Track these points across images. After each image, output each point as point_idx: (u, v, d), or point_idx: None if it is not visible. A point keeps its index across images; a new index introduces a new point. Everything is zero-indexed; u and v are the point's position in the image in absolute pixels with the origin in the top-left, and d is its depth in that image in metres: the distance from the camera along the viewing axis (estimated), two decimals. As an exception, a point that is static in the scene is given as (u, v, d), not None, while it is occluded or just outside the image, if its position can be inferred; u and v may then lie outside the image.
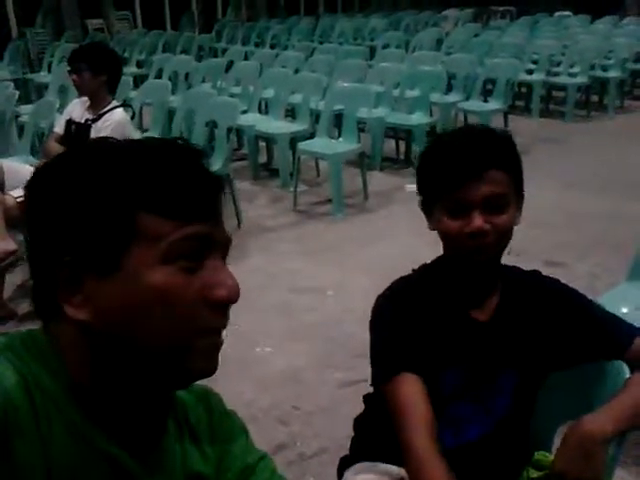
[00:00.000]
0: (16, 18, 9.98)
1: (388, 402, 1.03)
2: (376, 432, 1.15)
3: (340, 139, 4.59)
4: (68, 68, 3.11)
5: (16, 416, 0.56)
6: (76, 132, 3.11)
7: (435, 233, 1.12)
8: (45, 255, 0.60)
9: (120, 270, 0.58)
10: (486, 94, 6.15)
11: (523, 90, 7.33)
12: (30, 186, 0.63)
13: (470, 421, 1.11)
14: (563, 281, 1.18)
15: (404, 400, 1.01)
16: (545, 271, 1.20)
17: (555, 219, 3.80)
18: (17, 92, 4.57)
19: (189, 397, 0.74)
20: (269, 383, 2.42)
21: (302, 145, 4.37)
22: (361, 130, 4.93)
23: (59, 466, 0.58)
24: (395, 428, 1.00)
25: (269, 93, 5.37)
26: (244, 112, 4.94)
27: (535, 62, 7.16)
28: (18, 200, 2.66)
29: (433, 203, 1.07)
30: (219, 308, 0.61)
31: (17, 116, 4.70)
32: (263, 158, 5.20)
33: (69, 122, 3.17)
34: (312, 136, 4.60)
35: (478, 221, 1.00)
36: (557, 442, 1.07)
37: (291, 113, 5.39)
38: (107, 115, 3.05)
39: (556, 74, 7.16)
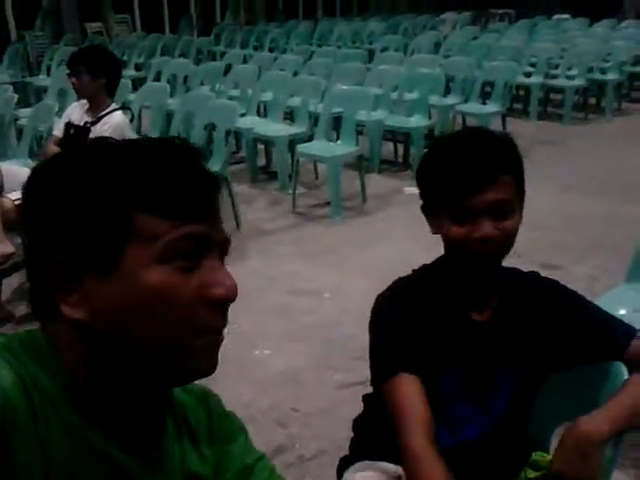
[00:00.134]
0: (15, 21, 9.99)
1: (386, 402, 1.03)
2: (375, 432, 1.16)
3: (338, 142, 4.60)
4: (67, 71, 3.12)
5: (14, 416, 0.56)
6: (75, 135, 3.11)
7: (433, 236, 1.12)
8: (42, 255, 0.61)
9: (117, 269, 0.58)
10: (484, 97, 6.16)
11: (521, 93, 7.35)
12: (27, 186, 0.63)
13: (468, 421, 1.11)
14: (561, 283, 1.18)
15: (402, 400, 1.01)
16: (543, 273, 1.21)
17: (553, 221, 3.80)
18: (16, 95, 4.58)
19: (188, 398, 0.74)
20: (268, 385, 2.43)
21: (301, 148, 4.38)
22: (359, 133, 4.95)
23: (57, 466, 0.58)
24: (393, 428, 1.00)
25: (268, 96, 5.38)
26: (243, 115, 4.94)
27: (533, 65, 7.18)
28: (16, 203, 2.66)
29: (438, 208, 1.06)
30: (217, 307, 0.61)
31: (16, 119, 4.71)
32: (261, 161, 5.20)
33: (68, 125, 3.17)
34: (310, 139, 4.60)
35: (487, 227, 1.00)
36: (555, 443, 1.07)
37: (290, 116, 5.40)
38: (106, 118, 3.05)
39: (554, 77, 7.18)
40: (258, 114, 5.46)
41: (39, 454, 0.57)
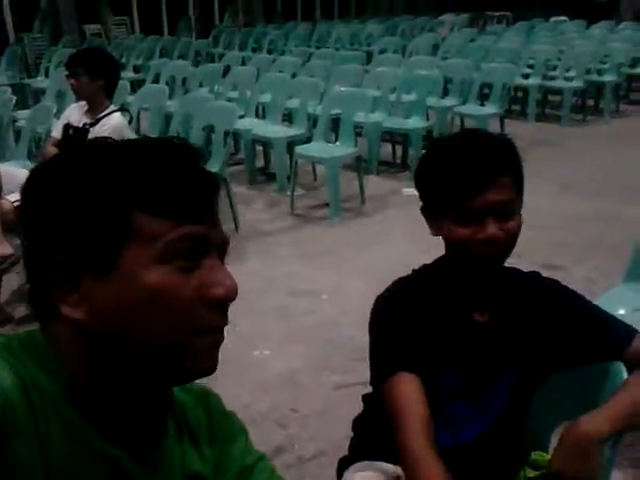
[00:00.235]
0: (13, 23, 9.99)
1: (386, 402, 1.03)
2: (375, 432, 1.16)
3: (337, 143, 4.60)
4: (66, 73, 3.12)
5: (14, 416, 0.55)
6: (74, 136, 3.11)
7: (431, 237, 1.12)
8: (41, 255, 0.60)
9: (116, 269, 0.58)
10: (482, 98, 6.17)
11: (519, 94, 7.36)
12: (26, 187, 0.63)
13: (468, 421, 1.11)
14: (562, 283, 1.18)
15: (401, 400, 1.01)
16: (542, 274, 1.21)
17: (552, 222, 3.81)
18: (14, 97, 4.57)
19: (188, 397, 0.73)
20: (267, 386, 2.43)
21: (299, 149, 4.38)
22: (358, 134, 4.95)
23: (58, 466, 0.58)
24: (392, 428, 1.00)
25: (266, 98, 5.38)
26: (241, 117, 4.94)
27: (531, 67, 7.19)
28: (15, 204, 2.66)
29: (439, 210, 1.06)
30: (217, 307, 0.61)
31: (14, 121, 4.70)
32: (260, 162, 5.21)
33: (67, 126, 3.17)
34: (309, 140, 4.61)
35: (492, 228, 1.00)
36: (554, 442, 1.07)
37: (288, 117, 5.40)
38: (105, 119, 3.05)
39: (552, 78, 7.19)
40: (257, 116, 5.46)
41: (39, 454, 0.57)
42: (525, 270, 1.20)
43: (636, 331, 1.12)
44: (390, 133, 5.37)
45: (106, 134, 2.94)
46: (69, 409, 0.60)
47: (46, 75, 7.13)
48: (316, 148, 4.43)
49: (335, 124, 4.79)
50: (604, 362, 1.13)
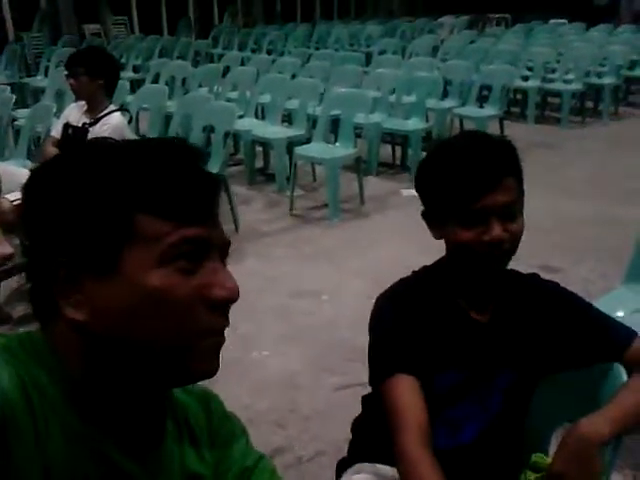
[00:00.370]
0: (13, 22, 9.99)
1: (384, 403, 1.03)
2: (374, 434, 1.16)
3: (337, 144, 4.60)
4: (65, 72, 3.12)
5: (13, 415, 0.55)
6: (73, 136, 3.11)
7: (430, 238, 1.12)
8: (42, 256, 0.60)
9: (118, 271, 0.58)
10: (482, 100, 6.18)
11: (518, 96, 7.37)
12: (27, 187, 0.62)
13: (467, 420, 1.11)
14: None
15: (398, 401, 1.01)
16: (541, 276, 1.21)
17: (550, 224, 3.81)
18: (14, 96, 4.57)
19: (189, 399, 0.73)
20: (266, 386, 2.42)
21: (299, 150, 4.38)
22: (357, 135, 4.96)
23: (57, 465, 0.58)
24: (389, 430, 1.00)
25: (266, 98, 5.39)
26: (241, 117, 4.95)
27: (530, 69, 7.20)
28: (15, 203, 2.66)
29: (443, 213, 1.06)
30: (218, 309, 0.61)
31: (14, 120, 4.70)
32: (259, 163, 5.21)
33: (66, 126, 3.17)
34: (309, 141, 4.61)
35: (498, 230, 1.01)
36: (555, 444, 1.07)
37: (288, 118, 5.40)
38: (105, 119, 3.05)
39: (551, 81, 7.21)
40: (256, 116, 5.46)
41: (38, 453, 0.57)
42: (524, 272, 1.20)
43: (635, 333, 1.12)
44: (390, 134, 5.37)
45: (106, 134, 2.94)
46: (68, 409, 0.60)
47: (45, 74, 7.13)
48: (316, 149, 4.43)
49: (335, 125, 4.79)
50: (603, 364, 1.13)
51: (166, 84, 5.83)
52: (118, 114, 3.11)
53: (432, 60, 6.91)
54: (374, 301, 1.14)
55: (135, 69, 7.99)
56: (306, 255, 3.66)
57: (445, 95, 5.92)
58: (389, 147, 5.50)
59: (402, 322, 1.08)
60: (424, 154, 1.15)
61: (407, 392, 1.02)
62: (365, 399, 1.25)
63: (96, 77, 3.01)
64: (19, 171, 3.01)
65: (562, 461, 0.99)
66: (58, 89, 5.33)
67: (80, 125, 3.11)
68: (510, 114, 6.85)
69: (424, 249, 1.35)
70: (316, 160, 4.53)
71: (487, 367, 1.11)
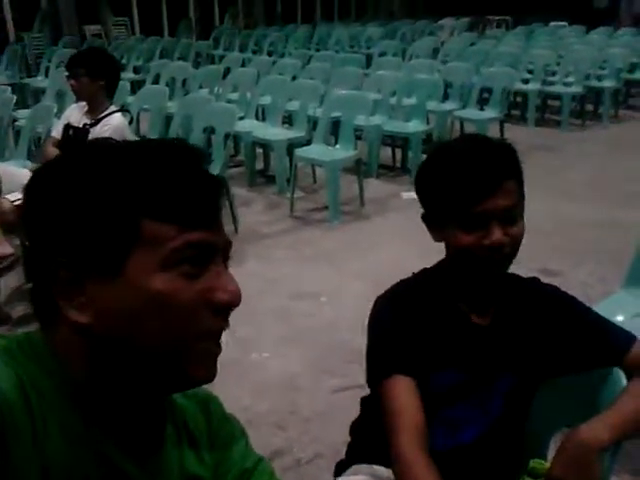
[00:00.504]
0: (14, 22, 10.00)
1: (381, 403, 1.04)
2: (372, 435, 1.16)
3: (337, 146, 4.60)
4: (66, 73, 3.12)
5: (11, 415, 0.55)
6: (74, 136, 3.11)
7: (430, 241, 1.12)
8: (45, 257, 0.60)
9: (122, 274, 0.58)
10: (482, 103, 6.18)
11: (519, 99, 7.38)
12: (29, 187, 0.62)
13: (467, 422, 1.11)
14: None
15: (395, 402, 1.01)
16: (540, 280, 1.21)
17: (550, 227, 3.81)
18: (14, 97, 4.57)
19: (188, 403, 0.73)
20: (266, 388, 2.42)
21: (299, 152, 4.38)
22: (358, 137, 4.95)
23: (55, 466, 0.57)
24: (385, 430, 1.01)
25: (266, 100, 5.39)
26: (241, 118, 4.95)
27: (531, 71, 7.21)
28: (15, 204, 2.66)
29: (443, 216, 1.06)
30: (220, 312, 0.61)
31: (14, 120, 4.70)
32: (260, 164, 5.21)
33: (67, 127, 3.17)
34: (309, 143, 4.61)
35: (498, 234, 1.01)
36: (553, 447, 1.07)
37: (288, 120, 5.40)
38: (105, 120, 3.05)
39: (551, 83, 7.21)
40: (257, 118, 5.47)
41: (36, 454, 0.56)
42: (523, 275, 1.20)
43: (635, 337, 1.12)
44: (390, 136, 5.38)
45: (107, 135, 2.94)
46: (69, 410, 0.60)
47: (46, 75, 7.13)
48: (316, 151, 4.43)
49: (335, 127, 4.80)
50: (603, 368, 1.13)
51: (167, 85, 5.83)
52: (119, 115, 3.12)
53: (432, 62, 6.92)
54: (373, 302, 1.14)
55: (136, 70, 8.00)
56: (306, 257, 3.66)
57: (445, 97, 5.92)
58: (389, 149, 5.50)
59: (401, 323, 1.08)
60: (424, 157, 1.15)
61: (404, 393, 1.02)
62: (364, 401, 1.25)
63: (97, 78, 3.02)
64: (19, 171, 3.01)
65: (561, 466, 0.99)
66: (59, 90, 5.33)
67: (81, 126, 3.11)
68: (510, 117, 6.85)
69: (424, 252, 1.35)
70: (316, 162, 4.53)
71: (487, 370, 1.11)
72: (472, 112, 5.87)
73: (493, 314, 1.13)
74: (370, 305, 1.14)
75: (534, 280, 1.19)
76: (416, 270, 1.19)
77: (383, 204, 4.55)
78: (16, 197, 2.66)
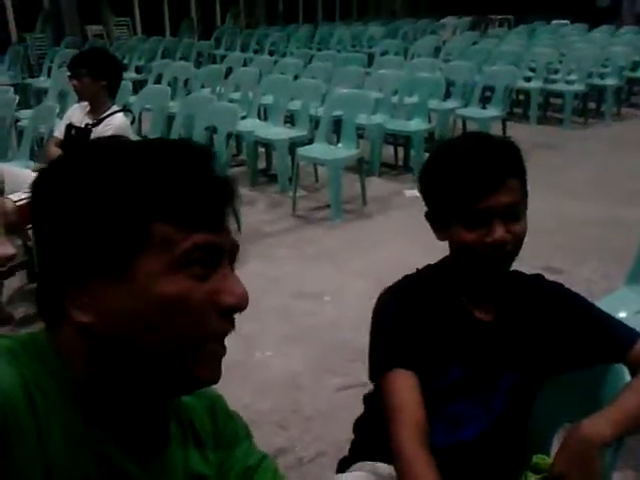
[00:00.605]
0: (16, 23, 10.02)
1: (382, 397, 1.04)
2: (375, 433, 1.16)
3: (339, 145, 4.60)
4: (68, 73, 3.13)
5: (15, 414, 0.55)
6: (76, 136, 3.12)
7: (433, 239, 1.12)
8: (51, 258, 0.60)
9: (130, 276, 0.58)
10: (484, 101, 6.18)
11: (521, 97, 7.37)
12: (36, 188, 0.61)
13: (469, 420, 1.11)
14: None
15: (396, 397, 1.01)
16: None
17: (553, 225, 3.81)
18: (17, 97, 4.58)
19: (193, 401, 0.73)
20: (268, 387, 2.43)
21: (301, 151, 4.38)
22: (360, 136, 4.96)
23: (58, 465, 0.57)
24: (386, 425, 1.01)
25: (268, 99, 5.39)
26: (243, 118, 4.95)
27: (533, 70, 7.20)
28: (18, 204, 2.66)
29: (446, 214, 1.06)
30: (227, 315, 0.61)
31: (17, 121, 4.71)
32: (262, 164, 5.21)
33: (69, 127, 3.18)
34: (311, 142, 4.61)
35: (500, 231, 1.01)
36: (556, 444, 1.07)
37: (290, 119, 5.41)
38: (108, 119, 3.06)
39: (554, 82, 7.20)
40: (259, 117, 5.47)
41: (39, 453, 0.56)
42: (526, 273, 1.20)
43: (638, 334, 1.12)
44: (392, 135, 5.38)
45: (109, 134, 2.95)
46: (71, 410, 0.59)
47: (48, 75, 7.14)
48: (318, 150, 4.43)
49: (337, 126, 4.79)
50: (606, 364, 1.13)
51: (169, 85, 5.83)
52: (121, 115, 3.12)
53: (434, 61, 6.91)
54: (378, 295, 1.14)
55: (138, 70, 8.01)
56: (309, 256, 3.67)
57: (447, 96, 5.91)
58: (391, 148, 5.50)
59: (405, 318, 1.08)
60: (426, 155, 1.15)
61: (405, 388, 1.02)
62: (367, 398, 1.25)
63: (99, 78, 3.02)
64: (22, 172, 3.01)
65: (563, 462, 0.98)
66: (61, 90, 5.34)
67: (83, 126, 3.12)
68: (513, 115, 6.84)
69: (427, 250, 1.35)
70: (318, 161, 4.53)
71: (490, 366, 1.11)
72: (474, 110, 5.87)
73: (497, 310, 1.13)
74: (373, 304, 1.14)
75: (538, 277, 1.19)
76: (420, 268, 1.19)
77: (385, 202, 4.55)
78: (19, 197, 2.67)
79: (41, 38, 9.63)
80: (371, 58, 7.52)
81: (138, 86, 6.28)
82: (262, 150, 5.16)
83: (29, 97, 6.98)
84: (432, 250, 1.22)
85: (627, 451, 1.26)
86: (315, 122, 4.84)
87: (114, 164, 0.59)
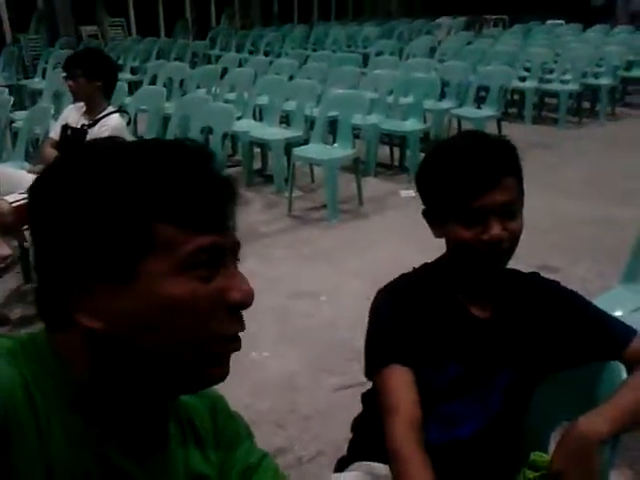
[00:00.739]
0: (10, 23, 9.98)
1: (377, 393, 1.04)
2: (373, 432, 1.16)
3: (335, 145, 4.61)
4: (63, 74, 3.12)
5: (15, 414, 0.55)
6: (72, 137, 3.11)
7: (429, 238, 1.13)
8: (54, 263, 0.59)
9: (135, 279, 0.57)
10: (479, 101, 6.19)
11: (516, 97, 7.39)
12: (35, 191, 0.61)
13: (466, 417, 1.12)
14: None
15: (392, 396, 1.02)
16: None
17: (548, 224, 3.82)
18: (11, 98, 4.57)
19: (195, 400, 0.73)
20: (266, 387, 2.43)
21: (297, 151, 4.38)
22: (355, 136, 4.96)
23: (59, 465, 0.58)
24: (382, 425, 1.01)
25: (263, 100, 5.39)
26: (239, 118, 4.95)
27: (528, 69, 7.22)
28: (13, 205, 2.66)
29: (443, 212, 1.07)
30: (234, 313, 0.61)
31: (11, 122, 4.69)
32: (257, 164, 5.21)
33: (65, 127, 3.17)
34: (306, 142, 4.61)
35: (497, 229, 1.02)
36: (553, 442, 1.07)
37: (285, 119, 5.41)
38: (103, 120, 3.05)
39: (548, 81, 7.23)
40: (254, 117, 5.46)
41: (40, 453, 0.56)
42: (523, 271, 1.21)
43: (635, 331, 1.12)
44: (387, 135, 5.38)
45: (105, 135, 2.94)
46: (71, 411, 0.59)
47: (43, 76, 7.11)
48: (314, 150, 4.44)
49: (332, 126, 4.80)
50: (603, 362, 1.14)
51: (164, 86, 5.83)
52: (117, 115, 3.11)
53: (429, 61, 6.93)
54: (374, 294, 1.15)
55: (133, 71, 7.99)
56: (305, 256, 3.67)
57: (443, 96, 5.93)
58: (387, 148, 5.51)
59: (401, 315, 1.08)
60: (422, 155, 1.16)
61: (402, 386, 1.02)
62: (365, 397, 1.25)
63: (94, 79, 3.02)
64: (17, 173, 3.01)
65: (561, 459, 0.99)
66: (56, 91, 5.33)
67: (79, 127, 3.11)
68: (507, 115, 6.86)
69: (423, 250, 1.36)
70: (314, 161, 4.53)
71: (487, 364, 1.11)
72: (469, 110, 5.88)
73: (493, 308, 1.13)
74: (369, 303, 1.15)
75: (534, 275, 1.20)
76: (416, 267, 1.19)
77: (381, 202, 4.55)
78: (15, 198, 2.67)
79: (35, 39, 9.60)
80: (366, 58, 7.52)
81: (133, 87, 6.26)
82: (258, 150, 5.16)
83: (24, 98, 6.96)
84: (428, 250, 1.22)
85: (623, 448, 1.27)
86: (310, 122, 4.85)
87: (114, 166, 0.59)
